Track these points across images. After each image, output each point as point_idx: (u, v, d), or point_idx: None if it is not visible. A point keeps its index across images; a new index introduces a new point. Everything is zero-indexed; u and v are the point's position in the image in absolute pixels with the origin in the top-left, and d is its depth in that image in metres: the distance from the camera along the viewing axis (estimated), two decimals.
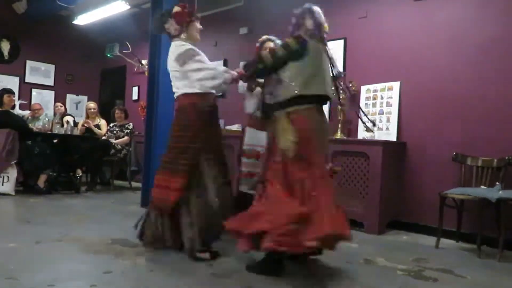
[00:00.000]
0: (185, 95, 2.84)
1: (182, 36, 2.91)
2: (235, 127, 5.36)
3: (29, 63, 7.78)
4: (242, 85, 3.21)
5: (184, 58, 2.79)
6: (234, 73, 2.89)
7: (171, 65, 2.89)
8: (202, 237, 2.72)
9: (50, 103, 7.76)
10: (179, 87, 2.88)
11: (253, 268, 2.51)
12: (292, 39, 2.52)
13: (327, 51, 2.63)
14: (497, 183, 3.32)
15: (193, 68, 2.78)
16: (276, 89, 2.58)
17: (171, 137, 2.88)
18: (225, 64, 5.67)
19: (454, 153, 3.69)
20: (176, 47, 2.86)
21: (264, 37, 3.29)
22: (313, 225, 2.23)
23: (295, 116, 2.47)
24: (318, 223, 2.23)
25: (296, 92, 2.47)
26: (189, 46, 2.84)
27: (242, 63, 2.87)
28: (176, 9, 2.91)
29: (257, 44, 3.29)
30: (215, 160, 2.85)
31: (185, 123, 2.82)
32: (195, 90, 2.81)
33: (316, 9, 2.64)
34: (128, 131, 6.22)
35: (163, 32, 2.98)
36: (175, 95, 2.93)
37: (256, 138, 3.19)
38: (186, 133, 2.80)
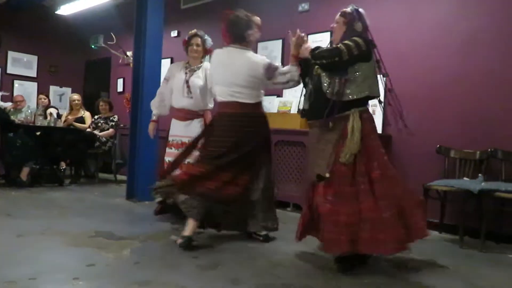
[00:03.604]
0: (259, 103, 3.07)
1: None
2: None
3: (11, 54, 7.59)
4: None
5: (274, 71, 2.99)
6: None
7: (253, 74, 2.92)
8: None
9: (33, 95, 7.60)
10: (253, 96, 2.98)
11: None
12: (362, 40, 2.51)
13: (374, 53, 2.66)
14: (479, 175, 3.37)
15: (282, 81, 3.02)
16: (345, 88, 2.51)
17: None
18: None
19: (438, 146, 3.73)
20: (257, 57, 3.03)
21: (194, 31, 3.64)
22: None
23: (366, 115, 2.56)
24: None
25: (366, 93, 2.55)
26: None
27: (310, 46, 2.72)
28: (258, 20, 3.03)
29: (186, 38, 3.65)
30: None
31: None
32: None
33: (363, 11, 2.66)
34: (113, 123, 6.14)
35: (242, 39, 2.96)
36: (243, 101, 2.94)
37: (182, 130, 3.54)
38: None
